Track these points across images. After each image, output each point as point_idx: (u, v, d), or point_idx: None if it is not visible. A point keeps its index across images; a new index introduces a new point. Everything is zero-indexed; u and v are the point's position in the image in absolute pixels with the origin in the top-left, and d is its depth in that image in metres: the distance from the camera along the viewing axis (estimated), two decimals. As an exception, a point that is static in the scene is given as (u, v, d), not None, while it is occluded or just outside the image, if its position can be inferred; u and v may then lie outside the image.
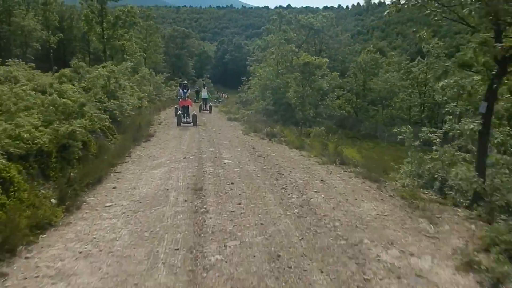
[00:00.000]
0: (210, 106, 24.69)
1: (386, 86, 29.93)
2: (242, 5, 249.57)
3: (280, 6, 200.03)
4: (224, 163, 8.95)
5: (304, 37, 34.27)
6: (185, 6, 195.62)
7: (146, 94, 24.24)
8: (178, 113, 16.81)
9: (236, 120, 20.38)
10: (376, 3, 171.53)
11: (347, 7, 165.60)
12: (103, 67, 13.63)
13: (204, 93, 25.07)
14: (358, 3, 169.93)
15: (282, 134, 14.87)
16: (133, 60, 29.59)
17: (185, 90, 18.67)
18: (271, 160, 9.59)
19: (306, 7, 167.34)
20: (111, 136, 10.67)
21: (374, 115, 31.85)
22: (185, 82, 21.65)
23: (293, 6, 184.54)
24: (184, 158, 9.53)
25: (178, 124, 16.12)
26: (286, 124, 19.88)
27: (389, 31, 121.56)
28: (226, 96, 46.71)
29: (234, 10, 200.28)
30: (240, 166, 8.67)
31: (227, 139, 13.35)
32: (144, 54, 34.62)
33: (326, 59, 23.42)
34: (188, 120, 16.49)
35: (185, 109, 16.76)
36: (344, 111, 31.78)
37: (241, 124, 18.82)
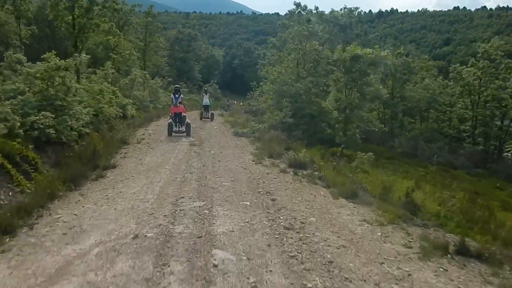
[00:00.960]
0: (212, 114, 22.82)
1: (427, 94, 24.81)
2: (252, 12, 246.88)
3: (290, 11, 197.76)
4: (214, 266, 3.98)
5: (328, 35, 29.26)
6: (194, 12, 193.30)
7: (132, 101, 19.58)
8: (169, 121, 14.46)
9: (244, 136, 15.61)
10: (389, 10, 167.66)
11: (358, 13, 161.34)
12: (44, 59, 8.87)
13: (205, 100, 22.83)
14: (370, 10, 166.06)
15: (312, 162, 9.95)
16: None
17: (176, 95, 15.19)
18: (315, 244, 4.60)
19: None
20: (19, 178, 5.87)
21: (412, 128, 26.69)
22: (177, 86, 17.40)
23: (302, 12, 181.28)
24: (135, 238, 4.61)
25: (169, 134, 14.05)
26: (311, 142, 14.97)
27: (402, 39, 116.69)
28: (241, 104, 42.11)
29: (244, 17, 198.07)
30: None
31: (230, 173, 8.50)
32: (137, 54, 30.02)
33: (387, 51, 18.05)
34: (180, 129, 14.30)
35: (177, 117, 14.40)
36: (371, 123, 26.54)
37: (251, 141, 14.01)
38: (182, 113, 14.68)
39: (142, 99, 22.73)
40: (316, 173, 8.84)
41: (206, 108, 22.50)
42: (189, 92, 49.55)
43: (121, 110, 15.66)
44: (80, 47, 15.84)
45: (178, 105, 14.69)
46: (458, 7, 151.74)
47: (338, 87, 16.68)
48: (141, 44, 35.92)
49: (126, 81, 21.90)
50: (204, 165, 9.22)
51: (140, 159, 9.68)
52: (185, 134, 14.20)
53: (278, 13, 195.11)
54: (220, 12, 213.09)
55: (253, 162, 9.91)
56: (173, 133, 14.10)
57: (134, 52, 28.10)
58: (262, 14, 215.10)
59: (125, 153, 10.46)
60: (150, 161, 9.45)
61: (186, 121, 14.41)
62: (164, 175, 7.99)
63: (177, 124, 14.29)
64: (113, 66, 21.89)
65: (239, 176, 8.20)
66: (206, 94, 23.56)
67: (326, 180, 8.27)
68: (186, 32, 59.01)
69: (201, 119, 22.17)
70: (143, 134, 14.66)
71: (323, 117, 16.83)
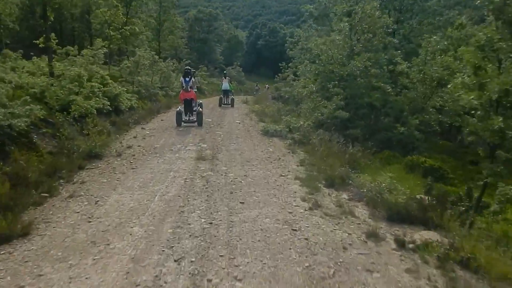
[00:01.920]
0: (232, 99, 20.30)
1: None
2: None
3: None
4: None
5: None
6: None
7: (135, 88, 15.28)
8: (178, 109, 12.40)
9: (277, 135, 10.98)
10: None
11: None
12: None
13: (225, 84, 20.20)
14: None
15: (419, 206, 5.14)
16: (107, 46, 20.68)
17: (187, 79, 12.10)
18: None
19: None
20: None
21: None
22: (188, 67, 13.43)
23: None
24: None
25: (178, 124, 12.12)
26: (375, 145, 10.08)
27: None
28: (266, 86, 37.37)
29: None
30: None
31: (265, 250, 3.92)
32: (148, 34, 25.61)
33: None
34: (191, 118, 12.32)
35: (187, 104, 12.17)
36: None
37: (290, 147, 9.36)
38: (193, 99, 12.33)
39: (149, 85, 18.35)
40: (446, 248, 4.04)
41: (226, 93, 20.14)
42: (210, 76, 45.14)
43: (108, 103, 11.30)
44: (51, 17, 11.42)
45: (189, 89, 12.01)
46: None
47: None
48: (154, 23, 31.48)
49: (129, 64, 17.56)
50: (211, 222, 4.62)
51: (96, 204, 5.18)
52: (196, 124, 12.33)
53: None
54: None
55: (306, 209, 5.22)
56: (182, 123, 12.14)
57: (144, 30, 23.65)
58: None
59: (80, 184, 6.01)
60: (111, 211, 4.92)
61: (197, 109, 12.31)
62: (112, 266, 3.48)
63: (188, 113, 12.19)
64: (109, 46, 17.56)
65: (288, 268, 3.56)
66: (226, 78, 20.64)
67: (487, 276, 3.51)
68: (207, 11, 54.01)
69: (220, 105, 19.81)
70: (134, 137, 10.31)
71: (389, 109, 11.78)
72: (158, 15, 31.46)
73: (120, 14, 18.65)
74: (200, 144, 9.79)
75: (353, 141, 10.06)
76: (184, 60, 35.44)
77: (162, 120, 14.10)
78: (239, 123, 13.82)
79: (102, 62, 14.52)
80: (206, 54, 53.14)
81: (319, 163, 7.44)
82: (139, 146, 9.19)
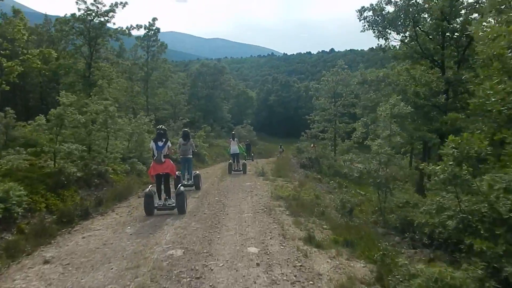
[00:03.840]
0: (244, 164, 16.20)
1: None
2: (284, 53, 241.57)
3: (323, 51, 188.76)
4: None
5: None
6: (226, 57, 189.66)
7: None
8: (147, 189, 7.92)
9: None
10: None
11: (394, 47, 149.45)
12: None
13: (233, 147, 16.00)
14: None
15: None
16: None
17: (159, 144, 7.94)
18: None
19: (351, 49, 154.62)
20: None
21: None
22: (161, 128, 8.56)
23: (336, 50, 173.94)
24: None
25: (148, 212, 7.70)
26: None
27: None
28: (282, 150, 29.75)
29: (275, 58, 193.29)
30: None
31: None
32: (122, 82, 18.56)
33: None
34: (167, 203, 7.86)
35: (161, 181, 7.92)
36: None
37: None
38: (170, 174, 8.09)
39: (92, 157, 10.43)
40: None
41: (236, 157, 16.19)
42: (216, 137, 37.78)
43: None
44: None
45: (163, 159, 7.79)
46: None
47: None
48: (141, 72, 24.70)
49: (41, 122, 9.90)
50: None
51: None
52: (176, 211, 7.74)
53: (310, 52, 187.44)
54: (251, 55, 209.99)
55: None
56: (155, 211, 7.71)
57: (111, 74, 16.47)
58: (293, 54, 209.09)
59: None
60: None
61: (178, 189, 7.92)
62: None
63: (162, 194, 7.90)
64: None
65: None
66: (234, 140, 16.34)
67: None
68: (211, 65, 48.29)
69: (230, 172, 15.78)
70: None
71: None
72: (145, 63, 24.67)
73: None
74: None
75: None
76: (181, 118, 28.13)
77: (110, 221, 5.87)
78: (260, 229, 5.60)
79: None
80: (211, 112, 46.47)
81: None
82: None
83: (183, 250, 5.16)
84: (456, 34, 15.80)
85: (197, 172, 11.49)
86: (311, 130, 25.91)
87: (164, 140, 7.84)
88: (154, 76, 25.54)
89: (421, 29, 16.34)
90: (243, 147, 18.90)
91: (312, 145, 24.18)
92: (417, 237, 6.05)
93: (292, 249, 5.31)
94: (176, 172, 10.78)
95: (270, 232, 6.20)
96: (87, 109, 11.99)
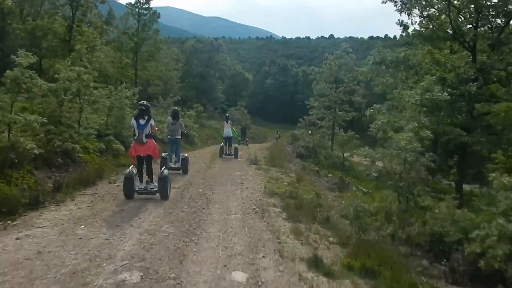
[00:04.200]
0: (236, 149, 15.30)
1: None
2: (282, 36, 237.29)
3: (322, 36, 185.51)
4: None
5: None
6: (223, 37, 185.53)
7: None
8: (127, 171, 7.04)
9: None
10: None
11: (394, 37, 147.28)
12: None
13: (226, 130, 15.32)
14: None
15: None
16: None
17: (141, 121, 7.07)
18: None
19: (350, 37, 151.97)
20: None
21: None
22: (143, 103, 7.33)
23: (335, 36, 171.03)
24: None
25: (127, 196, 6.96)
26: None
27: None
28: (278, 136, 28.67)
29: (273, 41, 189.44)
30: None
31: None
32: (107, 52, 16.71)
33: None
34: (148, 187, 7.17)
35: (142, 163, 7.21)
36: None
37: None
38: (152, 156, 7.22)
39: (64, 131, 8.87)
40: None
41: (228, 140, 15.51)
42: (208, 118, 36.15)
43: None
44: None
45: (145, 140, 6.98)
46: None
47: None
48: (130, 43, 22.71)
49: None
50: None
51: None
52: (158, 196, 7.03)
53: (309, 37, 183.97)
54: (249, 37, 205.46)
55: None
56: (135, 194, 7.02)
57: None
58: (292, 38, 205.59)
59: None
60: None
61: (162, 173, 7.20)
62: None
63: (143, 178, 7.22)
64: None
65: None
66: (228, 122, 15.85)
67: None
68: (207, 41, 46.08)
69: (220, 156, 15.10)
70: None
71: None
72: (135, 32, 22.68)
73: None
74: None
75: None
76: (171, 96, 26.31)
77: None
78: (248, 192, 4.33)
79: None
80: (205, 92, 44.59)
81: None
82: None
83: (142, 274, 3.70)
84: (492, 11, 13.80)
85: (186, 154, 10.74)
86: (309, 117, 24.38)
87: (146, 118, 7.03)
88: (145, 48, 23.59)
89: (453, 3, 14.23)
90: (237, 130, 18.08)
91: (310, 132, 22.78)
92: (461, 268, 4.67)
93: (292, 278, 3.89)
94: (163, 154, 10.19)
95: (263, 246, 4.77)
96: (58, 75, 10.33)
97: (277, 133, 30.02)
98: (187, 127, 17.76)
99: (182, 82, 40.44)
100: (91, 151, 9.81)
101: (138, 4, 22.52)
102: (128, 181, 6.91)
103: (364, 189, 12.13)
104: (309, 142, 19.37)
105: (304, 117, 24.35)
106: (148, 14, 22.77)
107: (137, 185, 7.12)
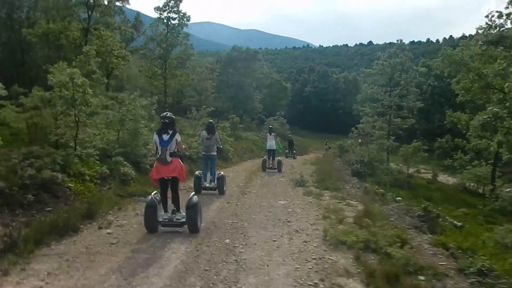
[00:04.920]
0: (279, 162, 14.52)
1: None
2: (320, 45, 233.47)
3: (360, 43, 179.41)
4: None
5: None
6: (260, 48, 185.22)
7: None
8: (150, 197, 5.83)
9: None
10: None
11: (437, 40, 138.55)
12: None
13: (270, 142, 14.59)
14: (451, 36, 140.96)
15: None
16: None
17: (164, 137, 5.74)
18: None
19: (390, 43, 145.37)
20: None
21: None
22: (166, 115, 5.94)
23: (374, 43, 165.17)
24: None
25: (149, 229, 5.77)
26: None
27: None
28: (328, 147, 26.11)
29: (310, 50, 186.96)
30: None
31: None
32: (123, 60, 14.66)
33: None
34: (175, 217, 5.86)
35: (166, 187, 5.95)
36: None
37: None
38: (178, 179, 5.98)
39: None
40: None
41: (272, 153, 14.50)
42: (245, 129, 33.89)
43: None
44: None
45: (169, 159, 5.79)
46: None
47: None
48: (159, 50, 20.83)
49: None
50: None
51: None
52: (183, 229, 5.86)
53: (347, 45, 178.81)
54: (286, 47, 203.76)
55: None
56: (160, 228, 5.88)
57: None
58: (329, 46, 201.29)
59: None
60: None
61: (190, 200, 5.82)
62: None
63: (168, 207, 5.99)
64: None
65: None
66: (271, 134, 14.68)
67: None
68: (243, 50, 44.10)
69: (263, 170, 14.15)
70: None
71: None
72: (163, 38, 20.77)
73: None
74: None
75: None
76: (204, 107, 24.06)
77: None
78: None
79: None
80: (242, 102, 42.46)
81: None
82: None
83: None
84: None
85: (222, 172, 9.73)
86: (361, 125, 21.10)
87: (170, 132, 5.78)
88: (174, 55, 21.64)
89: None
90: (282, 142, 16.82)
91: (360, 140, 19.64)
92: None
93: None
94: (196, 172, 9.56)
95: None
96: (53, 81, 8.20)
97: (326, 144, 27.34)
98: (221, 140, 15.57)
99: (218, 93, 38.69)
100: (88, 178, 7.44)
101: (167, 8, 20.71)
102: (150, 209, 5.69)
103: (454, 222, 8.86)
104: (363, 156, 16.18)
105: (356, 126, 21.09)
106: (178, 17, 20.86)
107: (161, 215, 5.84)
